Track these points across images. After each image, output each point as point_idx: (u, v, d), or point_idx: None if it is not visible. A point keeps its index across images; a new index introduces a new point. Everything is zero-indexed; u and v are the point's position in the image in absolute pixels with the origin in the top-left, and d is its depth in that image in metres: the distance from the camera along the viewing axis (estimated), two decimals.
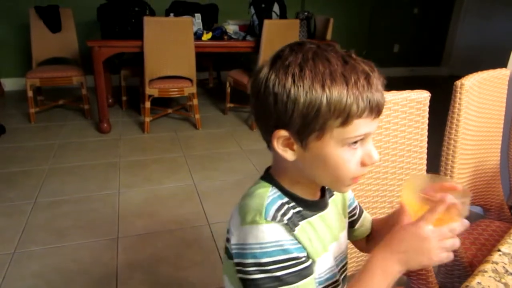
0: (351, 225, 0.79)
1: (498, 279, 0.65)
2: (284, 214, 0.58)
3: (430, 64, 5.92)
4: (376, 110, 0.54)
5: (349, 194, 0.77)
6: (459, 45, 5.75)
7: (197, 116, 3.32)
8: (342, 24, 3.78)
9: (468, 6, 5.56)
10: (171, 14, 3.38)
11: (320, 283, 0.65)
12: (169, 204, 2.21)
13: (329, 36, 3.60)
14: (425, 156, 1.00)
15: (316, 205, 0.65)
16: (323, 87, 0.52)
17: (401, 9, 5.46)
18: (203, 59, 4.16)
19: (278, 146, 0.58)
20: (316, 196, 0.66)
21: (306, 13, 3.47)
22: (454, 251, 1.11)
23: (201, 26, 3.33)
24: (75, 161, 2.68)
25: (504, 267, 0.68)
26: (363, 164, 0.57)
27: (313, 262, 0.61)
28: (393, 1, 5.38)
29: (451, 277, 1.15)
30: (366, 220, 0.80)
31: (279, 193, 0.61)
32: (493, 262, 0.69)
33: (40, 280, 1.61)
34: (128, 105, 3.80)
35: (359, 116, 0.53)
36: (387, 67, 5.55)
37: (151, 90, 3.06)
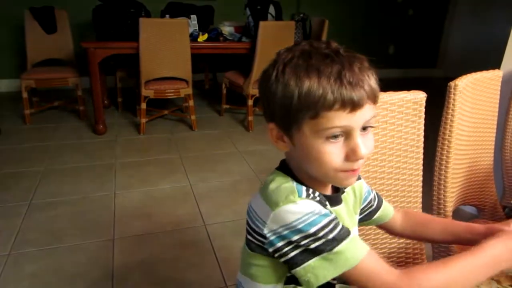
0: (369, 216, 0.80)
1: (496, 278, 0.66)
2: (313, 195, 0.61)
3: (425, 65, 5.96)
4: (350, 104, 0.54)
5: (364, 188, 0.78)
6: (454, 47, 5.80)
7: (193, 117, 3.32)
8: (337, 25, 3.80)
9: (463, 8, 5.61)
10: (167, 16, 3.38)
11: None
12: (165, 205, 2.21)
13: (324, 37, 3.61)
14: (421, 156, 1.01)
15: (331, 199, 0.66)
16: (296, 80, 0.55)
17: (396, 10, 5.50)
18: (199, 61, 4.16)
19: (272, 138, 0.63)
20: (328, 191, 0.68)
21: (301, 15, 3.48)
22: (448, 251, 1.12)
23: (197, 28, 3.33)
24: (71, 163, 2.67)
25: None
26: (348, 158, 0.57)
27: None
28: (387, 2, 5.42)
29: None
30: (386, 209, 0.82)
31: (296, 183, 0.62)
32: None
33: (36, 282, 1.60)
34: (123, 107, 3.79)
35: (329, 108, 0.54)
36: (382, 69, 5.57)
37: (147, 92, 3.06)
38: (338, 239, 0.57)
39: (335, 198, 0.68)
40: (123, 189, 2.35)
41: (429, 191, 1.17)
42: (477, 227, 0.73)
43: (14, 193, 2.26)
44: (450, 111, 1.02)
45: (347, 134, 0.57)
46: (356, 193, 0.75)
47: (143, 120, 3.18)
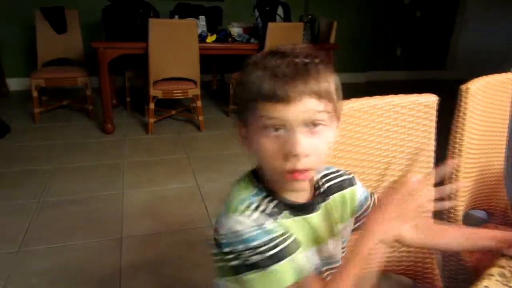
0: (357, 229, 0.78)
1: (505, 283, 0.66)
2: (267, 207, 0.62)
3: (433, 67, 5.92)
4: (283, 96, 0.55)
5: (358, 194, 0.75)
6: (464, 49, 5.75)
7: (200, 117, 3.33)
8: (345, 27, 3.79)
9: (473, 9, 5.56)
10: (176, 16, 3.40)
11: None
12: (172, 205, 2.22)
13: (332, 39, 3.61)
14: (432, 160, 1.00)
15: (299, 208, 0.65)
16: (248, 74, 0.58)
17: (404, 12, 5.46)
18: (207, 61, 4.17)
19: (240, 137, 0.64)
20: (299, 198, 0.66)
21: (309, 16, 3.48)
22: (458, 255, 1.10)
23: (206, 28, 3.35)
24: (79, 161, 2.69)
25: (511, 271, 0.68)
26: (287, 156, 0.57)
27: None
28: (395, 4, 5.38)
29: (455, 281, 1.15)
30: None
31: (256, 190, 0.64)
32: (500, 266, 0.69)
33: (43, 279, 1.62)
34: (131, 106, 3.81)
35: (266, 99, 0.56)
36: (390, 71, 5.57)
37: (155, 92, 3.07)
38: (275, 258, 0.57)
39: (304, 206, 0.66)
40: (130, 188, 2.36)
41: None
42: (500, 234, 0.73)
43: (23, 191, 2.28)
44: (462, 114, 1.01)
45: (287, 129, 0.57)
46: (347, 200, 0.73)
47: (151, 120, 3.19)
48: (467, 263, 1.12)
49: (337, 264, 0.73)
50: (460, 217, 1.14)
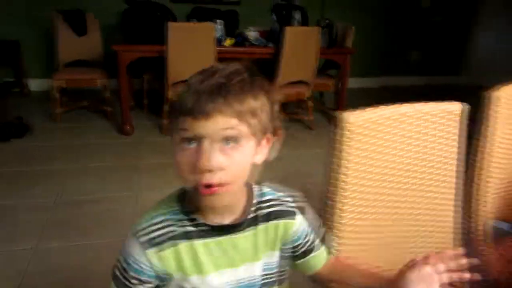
0: (295, 258, 0.81)
1: None
2: (149, 233, 0.67)
3: (449, 73, 5.82)
4: (195, 111, 0.58)
5: (296, 227, 0.76)
6: (480, 54, 5.63)
7: None
8: (362, 31, 3.76)
9: (489, 14, 5.45)
10: (194, 20, 3.43)
11: None
12: None
13: (349, 43, 3.59)
14: (455, 169, 0.98)
15: (218, 229, 0.68)
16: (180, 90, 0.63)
17: (419, 15, 5.39)
18: None
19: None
20: (226, 219, 0.68)
21: (327, 21, 3.47)
22: (479, 267, 1.09)
23: (223, 32, 3.37)
24: (98, 162, 2.73)
25: None
26: (195, 168, 0.59)
27: (185, 277, 0.68)
28: (412, 8, 5.32)
29: None
30: (316, 259, 0.82)
31: (176, 208, 0.69)
32: None
33: (60, 276, 1.65)
34: (148, 108, 3.85)
35: (182, 113, 0.59)
36: (405, 76, 5.49)
37: (172, 94, 3.10)
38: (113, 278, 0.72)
39: (224, 227, 0.68)
40: (147, 189, 2.39)
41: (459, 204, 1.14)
42: (386, 276, 0.75)
43: (42, 189, 2.33)
44: (490, 123, 0.99)
45: (198, 142, 0.59)
46: (280, 230, 0.74)
47: (168, 122, 3.22)
48: (488, 275, 1.10)
49: None
50: (481, 227, 1.12)
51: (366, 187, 0.91)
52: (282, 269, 0.78)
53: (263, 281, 0.75)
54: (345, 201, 0.90)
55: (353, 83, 3.94)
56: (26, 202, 2.19)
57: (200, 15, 3.56)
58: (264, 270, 0.74)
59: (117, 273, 0.70)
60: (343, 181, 0.89)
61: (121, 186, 2.41)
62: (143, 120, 3.63)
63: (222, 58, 3.16)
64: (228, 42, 3.21)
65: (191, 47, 2.98)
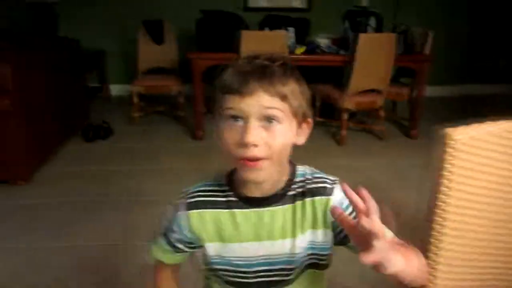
0: (344, 242, 0.73)
1: None
2: (191, 198, 0.76)
3: None
4: (239, 89, 0.62)
5: (332, 206, 0.71)
6: None
7: None
8: (437, 35, 3.54)
9: None
10: (266, 28, 3.47)
11: (212, 264, 0.77)
12: None
13: (427, 49, 3.40)
14: None
15: (248, 201, 0.73)
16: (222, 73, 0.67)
17: (507, 19, 4.96)
18: None
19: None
20: (257, 193, 0.72)
21: (403, 26, 3.33)
22: None
23: (294, 40, 3.37)
24: (171, 165, 2.87)
25: None
26: (240, 143, 0.63)
27: (223, 243, 0.75)
28: (497, 10, 4.91)
29: None
30: None
31: (218, 181, 0.76)
32: None
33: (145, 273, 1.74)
34: None
35: (226, 91, 0.64)
36: (491, 84, 5.07)
37: None
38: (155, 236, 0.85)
39: (254, 200, 0.72)
40: None
41: None
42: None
43: (124, 188, 2.49)
44: None
45: (244, 119, 0.63)
46: (317, 208, 0.72)
47: None
48: None
49: (278, 266, 0.74)
50: None
51: (468, 210, 0.85)
52: (324, 253, 0.76)
53: (305, 260, 0.75)
54: (444, 223, 0.84)
55: (429, 91, 3.72)
56: (110, 200, 2.35)
57: (272, 23, 3.59)
58: (307, 249, 0.74)
59: (162, 228, 0.82)
60: (443, 202, 0.83)
61: None
62: (213, 125, 3.73)
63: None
64: (299, 50, 3.21)
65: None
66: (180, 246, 0.81)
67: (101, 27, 4.44)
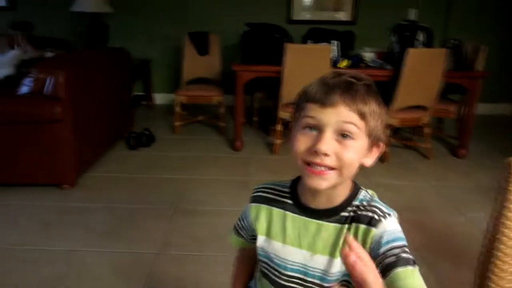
0: (382, 273, 0.66)
1: None
2: (256, 192, 0.84)
3: None
4: (321, 99, 0.66)
5: (379, 240, 0.68)
6: None
7: None
8: (491, 51, 3.35)
9: None
10: (309, 41, 3.45)
11: (259, 255, 0.82)
12: None
13: (480, 66, 3.24)
14: None
15: (302, 208, 0.76)
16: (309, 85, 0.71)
17: None
18: None
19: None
20: (314, 205, 0.74)
21: (454, 41, 3.19)
22: None
23: (337, 53, 3.32)
24: (210, 175, 2.88)
25: None
26: (310, 149, 0.67)
27: (269, 239, 0.80)
28: None
29: None
30: (401, 278, 0.65)
31: (285, 185, 0.81)
32: None
33: (179, 285, 1.74)
34: (258, 126, 3.97)
35: (308, 100, 0.68)
36: None
37: (284, 114, 3.14)
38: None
39: (306, 208, 0.76)
40: None
41: None
42: None
43: (164, 196, 2.53)
44: None
45: (320, 130, 0.67)
46: (359, 235, 0.71)
47: (278, 141, 3.26)
48: None
49: (311, 279, 0.75)
50: None
51: None
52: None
53: (341, 283, 0.74)
54: (507, 251, 0.77)
55: (478, 109, 3.53)
56: (151, 208, 2.39)
57: (316, 36, 3.57)
58: (343, 274, 0.72)
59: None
60: (506, 236, 0.76)
61: (232, 201, 2.48)
62: (252, 136, 3.74)
63: None
64: (342, 63, 3.15)
65: (306, 68, 2.98)
66: (243, 233, 0.89)
67: (147, 37, 4.60)
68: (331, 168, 0.67)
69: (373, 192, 0.78)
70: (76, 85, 2.54)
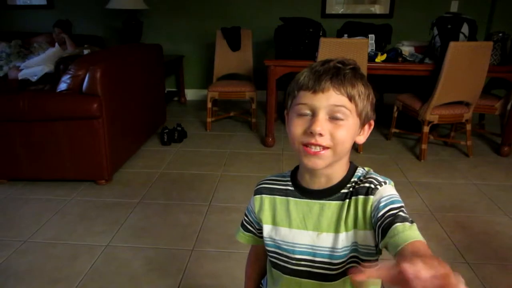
0: (382, 236, 0.67)
1: None
2: (258, 185, 0.88)
3: None
4: (312, 86, 0.71)
5: (373, 203, 0.72)
6: None
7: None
8: None
9: None
10: (345, 35, 3.36)
11: (267, 245, 0.85)
12: None
13: None
14: None
15: (302, 191, 0.80)
16: (300, 73, 0.76)
17: None
18: (370, 81, 4.01)
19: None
20: (314, 186, 0.78)
21: (500, 34, 3.01)
22: None
23: (374, 47, 3.21)
24: (243, 171, 2.86)
25: None
26: (306, 132, 0.71)
27: (275, 227, 0.83)
28: None
29: None
30: (395, 236, 0.64)
31: (284, 174, 0.86)
32: None
33: (214, 283, 1.73)
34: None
35: (300, 88, 0.73)
36: None
37: None
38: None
39: (306, 190, 0.80)
40: None
41: None
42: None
43: (197, 193, 2.53)
44: None
45: (313, 114, 0.71)
46: (359, 207, 0.73)
47: None
48: None
49: (319, 259, 0.77)
50: None
51: None
52: (367, 259, 0.75)
53: (348, 261, 0.75)
54: None
55: None
56: (185, 204, 2.40)
57: (352, 29, 3.46)
58: (350, 249, 0.75)
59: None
60: None
61: None
62: (283, 132, 3.69)
63: (373, 74, 3.01)
64: (379, 58, 3.04)
65: None
66: (251, 228, 0.91)
67: (180, 33, 4.63)
68: (326, 148, 0.71)
69: (369, 168, 0.81)
70: (112, 81, 2.58)
